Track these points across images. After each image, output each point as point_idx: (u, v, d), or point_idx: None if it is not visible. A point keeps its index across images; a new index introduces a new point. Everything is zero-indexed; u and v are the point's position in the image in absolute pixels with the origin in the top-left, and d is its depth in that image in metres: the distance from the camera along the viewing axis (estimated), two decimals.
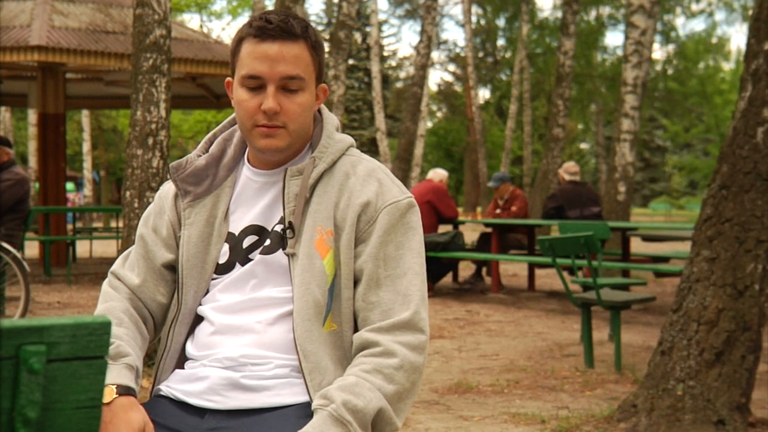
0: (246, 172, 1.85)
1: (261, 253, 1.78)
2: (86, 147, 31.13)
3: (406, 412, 1.69)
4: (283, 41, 1.71)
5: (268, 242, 1.78)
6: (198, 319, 1.83)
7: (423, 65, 19.40)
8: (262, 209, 1.81)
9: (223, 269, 1.81)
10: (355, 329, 1.76)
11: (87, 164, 31.38)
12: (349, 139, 1.85)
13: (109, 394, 1.66)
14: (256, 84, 1.72)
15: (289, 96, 1.72)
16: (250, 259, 1.79)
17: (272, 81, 1.71)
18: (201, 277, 1.82)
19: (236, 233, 1.82)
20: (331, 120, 1.87)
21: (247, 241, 1.80)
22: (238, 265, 1.80)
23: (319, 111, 1.88)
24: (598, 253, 6.29)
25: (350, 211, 1.75)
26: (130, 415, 1.65)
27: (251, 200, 1.83)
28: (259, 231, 1.80)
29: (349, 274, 1.74)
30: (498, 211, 10.76)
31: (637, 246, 13.69)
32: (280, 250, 1.77)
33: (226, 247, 1.81)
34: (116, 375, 1.70)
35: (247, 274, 1.78)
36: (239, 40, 1.75)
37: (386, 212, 1.75)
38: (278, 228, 1.79)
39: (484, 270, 10.79)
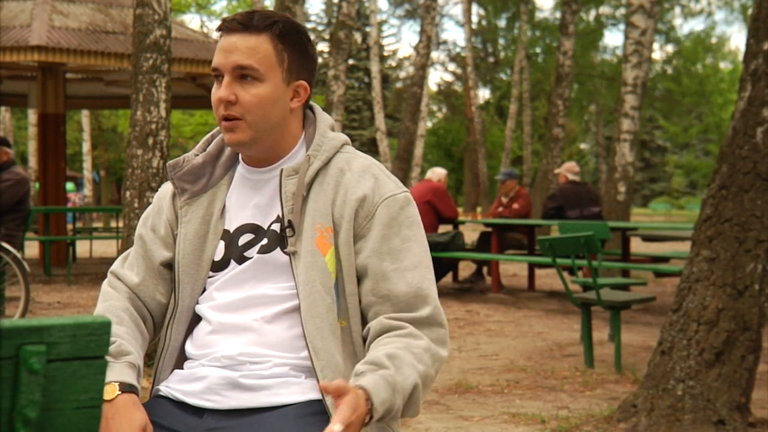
0: (240, 170, 1.86)
1: (259, 252, 1.78)
2: (86, 147, 31.13)
3: (422, 400, 1.70)
4: (240, 33, 1.74)
5: (265, 241, 1.79)
6: (196, 319, 1.84)
7: (423, 65, 19.40)
8: (256, 207, 1.82)
9: (218, 266, 1.81)
10: (364, 324, 1.76)
11: (87, 164, 31.38)
12: (343, 137, 1.85)
13: (111, 391, 1.67)
14: (219, 77, 1.76)
15: (244, 86, 1.74)
16: (246, 257, 1.79)
17: (226, 71, 1.74)
18: (197, 274, 1.82)
19: (231, 230, 1.82)
20: (325, 119, 1.87)
21: (243, 239, 1.81)
22: (233, 263, 1.80)
23: (313, 111, 1.88)
24: (598, 253, 6.29)
25: (347, 207, 1.75)
26: (133, 413, 1.65)
27: (246, 198, 1.84)
28: (254, 229, 1.81)
29: (350, 270, 1.74)
30: (500, 209, 10.76)
31: (637, 246, 13.69)
32: (278, 248, 1.77)
33: (221, 244, 1.82)
34: (119, 373, 1.70)
35: (244, 272, 1.79)
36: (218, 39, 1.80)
37: (384, 206, 1.75)
38: (275, 227, 1.79)
39: (485, 269, 10.79)
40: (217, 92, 1.75)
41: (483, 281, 10.61)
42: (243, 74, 1.73)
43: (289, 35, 1.77)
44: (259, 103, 1.74)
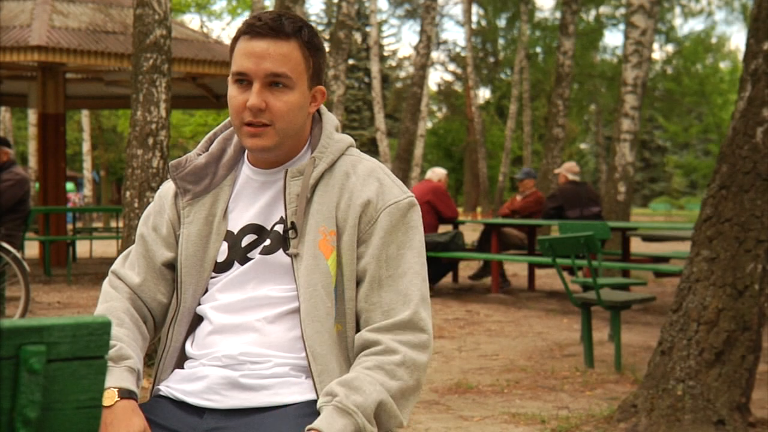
0: (245, 170, 1.86)
1: (261, 253, 1.78)
2: (86, 147, 31.14)
3: (410, 408, 1.69)
4: (272, 39, 1.71)
5: (268, 242, 1.78)
6: (198, 319, 1.84)
7: (423, 65, 19.40)
8: (261, 208, 1.81)
9: (221, 268, 1.81)
10: (357, 330, 1.76)
11: (87, 164, 31.40)
12: (348, 139, 1.85)
13: (111, 397, 1.67)
14: (244, 81, 1.73)
15: (275, 94, 1.72)
16: (249, 258, 1.79)
17: (258, 78, 1.71)
18: (200, 275, 1.82)
19: (235, 232, 1.82)
20: (331, 120, 1.87)
21: (246, 240, 1.80)
22: (236, 264, 1.80)
23: (318, 111, 1.88)
24: (598, 253, 6.29)
25: (351, 212, 1.75)
26: (132, 419, 1.66)
27: (250, 199, 1.83)
28: (257, 230, 1.81)
29: (351, 275, 1.74)
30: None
31: (637, 246, 13.68)
32: (281, 250, 1.77)
33: (224, 245, 1.82)
34: (118, 378, 1.70)
35: (246, 273, 1.79)
36: (234, 39, 1.77)
37: (387, 212, 1.75)
38: (278, 228, 1.79)
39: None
40: (242, 98, 1.72)
41: (490, 276, 10.42)
42: (275, 81, 1.72)
43: (314, 41, 1.77)
44: (290, 111, 1.73)
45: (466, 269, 12.14)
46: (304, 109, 1.78)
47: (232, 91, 1.75)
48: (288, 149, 1.80)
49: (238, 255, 1.80)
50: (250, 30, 1.73)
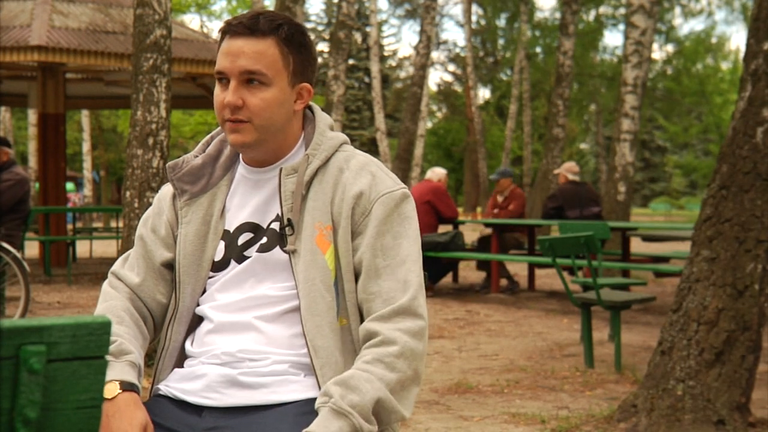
0: (241, 170, 1.87)
1: (258, 251, 1.79)
2: (86, 147, 31.15)
3: (411, 400, 1.69)
4: (247, 37, 1.74)
5: (264, 240, 1.79)
6: (197, 319, 1.84)
7: (423, 65, 19.40)
8: (256, 207, 1.83)
9: (218, 267, 1.82)
10: (361, 321, 1.77)
11: (87, 164, 31.40)
12: (342, 136, 1.86)
13: (112, 389, 1.67)
14: (223, 80, 1.76)
15: (251, 90, 1.74)
16: (246, 257, 1.80)
17: (233, 76, 1.74)
18: (198, 274, 1.83)
19: (231, 230, 1.83)
20: (324, 118, 1.88)
21: (242, 239, 1.82)
22: (233, 263, 1.81)
23: (312, 110, 1.89)
24: (598, 253, 6.29)
25: (345, 205, 1.76)
26: (134, 411, 1.66)
27: (246, 198, 1.84)
28: (254, 228, 1.82)
29: (348, 267, 1.75)
30: (495, 211, 10.72)
31: (637, 246, 13.68)
32: (278, 247, 1.78)
33: (221, 244, 1.83)
34: (120, 371, 1.71)
35: (244, 272, 1.79)
36: (219, 41, 1.80)
37: (380, 203, 1.76)
38: (274, 226, 1.80)
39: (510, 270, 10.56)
40: (222, 96, 1.75)
41: (517, 286, 10.13)
42: (251, 78, 1.74)
43: (294, 38, 1.77)
44: (267, 107, 1.75)
45: (466, 269, 12.15)
46: (285, 107, 1.78)
47: (215, 91, 1.79)
48: (276, 147, 1.81)
49: (235, 253, 1.81)
50: (228, 30, 1.76)
